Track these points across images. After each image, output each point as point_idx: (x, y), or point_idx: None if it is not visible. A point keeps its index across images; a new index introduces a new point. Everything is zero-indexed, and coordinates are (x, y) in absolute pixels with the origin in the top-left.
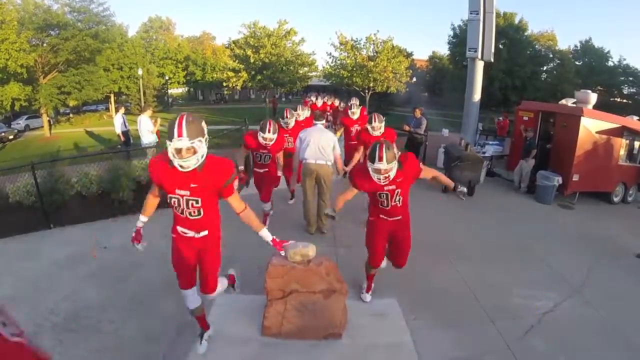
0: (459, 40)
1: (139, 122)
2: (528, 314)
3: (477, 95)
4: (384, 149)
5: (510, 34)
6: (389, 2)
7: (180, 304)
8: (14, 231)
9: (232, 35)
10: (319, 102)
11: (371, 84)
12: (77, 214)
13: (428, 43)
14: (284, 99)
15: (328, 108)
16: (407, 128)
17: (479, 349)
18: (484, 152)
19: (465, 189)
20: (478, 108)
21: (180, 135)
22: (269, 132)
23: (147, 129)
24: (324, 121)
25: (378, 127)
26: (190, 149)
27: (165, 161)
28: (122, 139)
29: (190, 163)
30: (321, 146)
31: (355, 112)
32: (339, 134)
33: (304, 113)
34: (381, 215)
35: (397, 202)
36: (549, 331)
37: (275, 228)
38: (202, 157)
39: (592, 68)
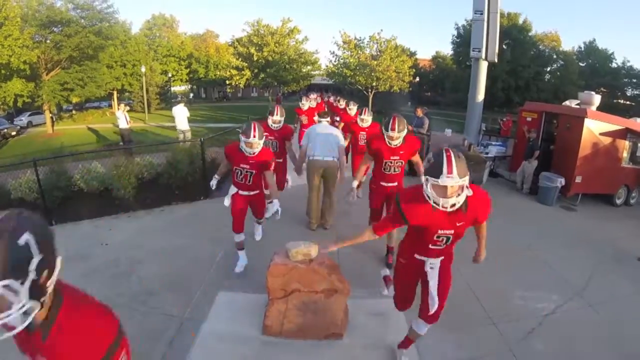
0: (463, 41)
1: (175, 112)
2: (530, 316)
3: (480, 96)
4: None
5: (514, 34)
6: (393, 2)
7: (180, 302)
8: None
9: (235, 33)
10: (305, 106)
11: (374, 83)
12: (78, 210)
13: (431, 43)
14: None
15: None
16: (409, 128)
17: (480, 350)
18: (486, 153)
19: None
20: (481, 108)
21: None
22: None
23: (185, 115)
24: (328, 118)
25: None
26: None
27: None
28: (125, 130)
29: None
30: (329, 143)
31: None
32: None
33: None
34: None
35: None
36: (550, 333)
37: (277, 223)
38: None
39: (595, 69)
